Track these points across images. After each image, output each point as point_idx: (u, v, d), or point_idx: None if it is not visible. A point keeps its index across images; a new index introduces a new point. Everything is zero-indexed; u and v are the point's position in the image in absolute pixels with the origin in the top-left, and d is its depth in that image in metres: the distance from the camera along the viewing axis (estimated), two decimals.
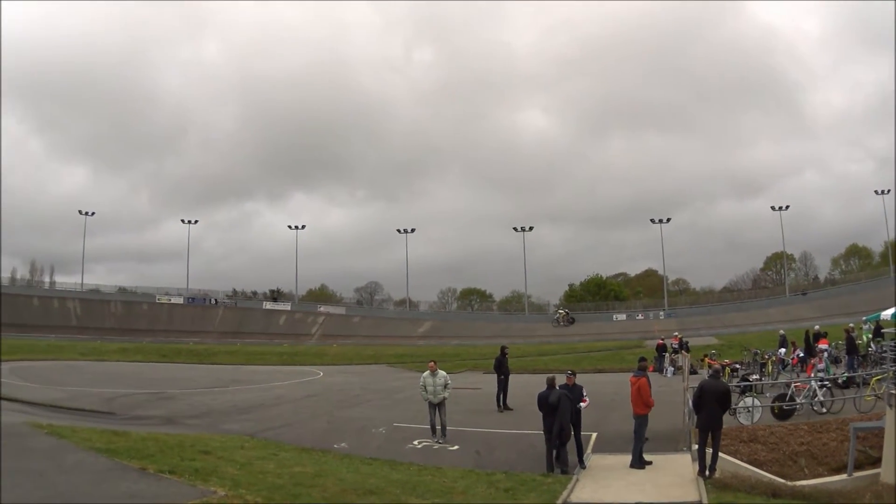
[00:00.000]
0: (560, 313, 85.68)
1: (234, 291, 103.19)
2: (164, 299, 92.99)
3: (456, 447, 15.65)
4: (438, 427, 16.59)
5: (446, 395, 16.57)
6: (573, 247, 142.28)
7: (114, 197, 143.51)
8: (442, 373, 16.89)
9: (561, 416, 13.16)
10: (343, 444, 16.07)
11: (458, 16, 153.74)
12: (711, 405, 12.05)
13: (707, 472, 11.69)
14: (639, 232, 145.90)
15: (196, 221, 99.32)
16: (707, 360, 27.86)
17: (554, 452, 13.38)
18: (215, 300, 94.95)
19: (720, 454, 12.19)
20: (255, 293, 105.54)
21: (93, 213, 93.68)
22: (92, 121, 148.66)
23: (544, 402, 13.51)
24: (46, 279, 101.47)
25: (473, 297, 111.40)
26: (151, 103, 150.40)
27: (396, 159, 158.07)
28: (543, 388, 13.91)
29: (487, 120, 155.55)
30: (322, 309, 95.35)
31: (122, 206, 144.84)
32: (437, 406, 16.56)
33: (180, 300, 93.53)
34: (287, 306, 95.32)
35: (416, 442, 16.23)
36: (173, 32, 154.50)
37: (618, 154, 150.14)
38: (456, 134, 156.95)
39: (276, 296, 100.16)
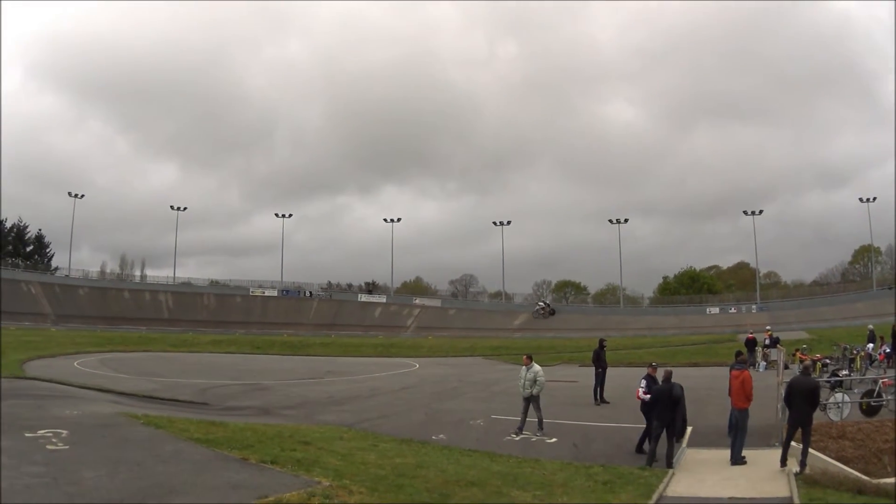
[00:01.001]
0: (540, 305, 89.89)
1: (329, 284, 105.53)
2: (258, 292, 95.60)
3: (554, 440, 15.64)
4: (535, 420, 16.43)
5: (533, 391, 16.41)
6: (665, 239, 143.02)
7: (203, 192, 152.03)
8: (535, 367, 16.78)
9: (682, 409, 13.30)
10: (441, 436, 16.09)
11: (538, 9, 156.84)
12: (800, 402, 12.26)
13: (798, 468, 11.78)
14: (729, 224, 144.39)
15: (290, 215, 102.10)
16: (798, 354, 27.08)
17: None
18: (310, 293, 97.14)
19: (810, 450, 12.32)
20: (350, 286, 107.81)
21: (185, 209, 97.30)
22: (178, 120, 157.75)
23: (667, 395, 13.30)
24: (137, 273, 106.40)
25: (568, 290, 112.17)
26: (237, 101, 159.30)
27: (486, 153, 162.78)
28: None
29: (574, 113, 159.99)
30: (417, 301, 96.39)
31: (212, 202, 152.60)
32: (527, 400, 16.55)
33: (274, 292, 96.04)
34: (382, 299, 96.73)
35: (513, 434, 16.19)
36: (255, 32, 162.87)
37: (705, 146, 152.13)
38: (544, 127, 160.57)
39: (371, 288, 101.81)
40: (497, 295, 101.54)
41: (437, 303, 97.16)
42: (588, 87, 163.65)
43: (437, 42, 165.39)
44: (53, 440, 10.95)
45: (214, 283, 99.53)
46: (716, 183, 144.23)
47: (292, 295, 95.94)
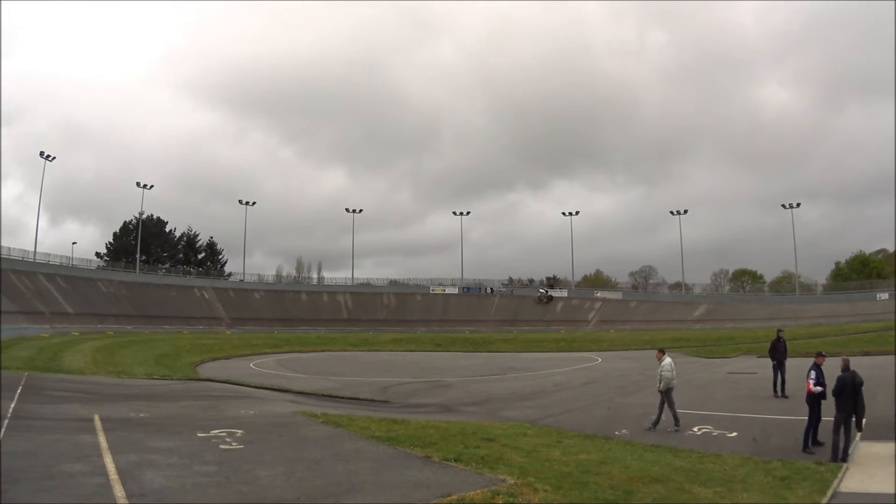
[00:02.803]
0: (541, 292, 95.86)
1: (510, 280, 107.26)
2: (439, 290, 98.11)
3: (734, 434, 15.43)
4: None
5: (659, 386, 16.62)
6: (831, 223, 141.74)
7: (374, 195, 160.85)
8: (663, 361, 16.84)
9: (861, 398, 13.04)
10: (624, 431, 15.91)
11: None
12: None
13: None
14: (892, 203, 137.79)
15: (468, 213, 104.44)
16: None
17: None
18: (490, 289, 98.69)
19: None
20: (531, 281, 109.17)
21: (360, 211, 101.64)
22: (339, 128, 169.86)
23: (849, 384, 12.86)
24: (314, 275, 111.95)
25: (745, 279, 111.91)
26: (397, 106, 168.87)
27: (649, 142, 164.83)
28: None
29: (729, 98, 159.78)
30: (599, 294, 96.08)
31: (383, 203, 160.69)
32: (662, 393, 16.66)
33: (455, 290, 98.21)
34: (563, 293, 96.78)
35: (695, 428, 15.95)
36: (406, 38, 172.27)
37: (858, 124, 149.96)
38: (701, 114, 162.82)
39: (552, 283, 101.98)
40: (676, 286, 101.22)
41: (618, 295, 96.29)
42: (739, 72, 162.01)
43: (586, 35, 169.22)
44: (227, 440, 11.35)
45: (394, 283, 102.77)
46: (872, 162, 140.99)
47: (473, 292, 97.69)
